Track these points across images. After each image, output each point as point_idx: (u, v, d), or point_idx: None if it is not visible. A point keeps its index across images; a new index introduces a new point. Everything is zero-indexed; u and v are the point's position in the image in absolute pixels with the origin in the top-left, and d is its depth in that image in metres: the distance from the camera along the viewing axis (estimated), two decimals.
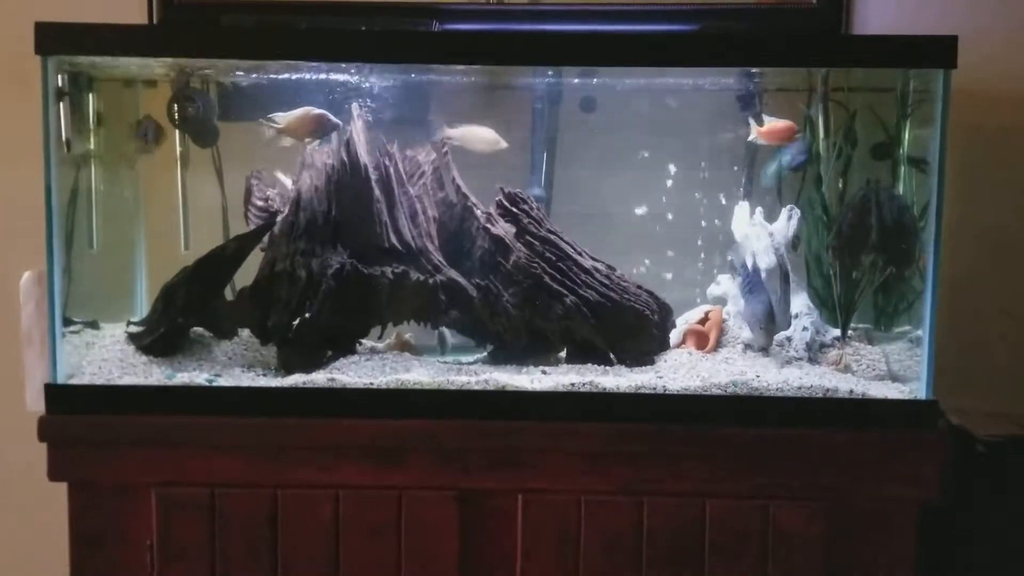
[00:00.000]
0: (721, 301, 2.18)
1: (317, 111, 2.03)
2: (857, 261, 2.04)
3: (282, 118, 2.02)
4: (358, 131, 2.05)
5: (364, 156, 2.04)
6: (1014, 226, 2.34)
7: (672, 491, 1.85)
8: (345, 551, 1.86)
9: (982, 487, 2.05)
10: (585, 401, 1.88)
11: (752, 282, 2.01)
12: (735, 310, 2.15)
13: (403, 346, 2.12)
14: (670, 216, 2.29)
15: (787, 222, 2.11)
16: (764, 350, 2.03)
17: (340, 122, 2.04)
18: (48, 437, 1.87)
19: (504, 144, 2.11)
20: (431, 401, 1.89)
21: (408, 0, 2.25)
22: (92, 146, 2.13)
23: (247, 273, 2.04)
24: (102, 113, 2.14)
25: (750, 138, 2.12)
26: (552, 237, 2.05)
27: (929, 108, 1.89)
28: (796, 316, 2.06)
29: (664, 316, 2.08)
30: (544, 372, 1.96)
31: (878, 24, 2.28)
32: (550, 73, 2.16)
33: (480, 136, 2.11)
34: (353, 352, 2.03)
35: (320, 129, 2.03)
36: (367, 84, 2.09)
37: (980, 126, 2.27)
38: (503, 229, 2.05)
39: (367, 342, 2.11)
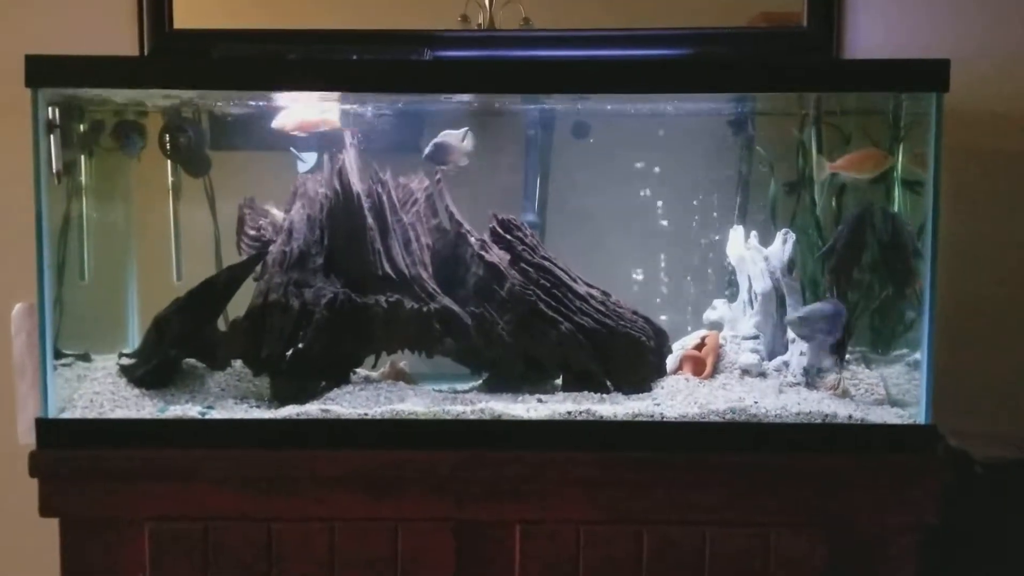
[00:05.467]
0: (717, 326, 2.17)
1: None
2: (852, 280, 2.03)
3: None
4: (350, 159, 2.04)
5: (357, 184, 2.03)
6: (1009, 247, 2.34)
7: (671, 520, 1.84)
8: None
9: (981, 509, 2.04)
10: (582, 429, 1.87)
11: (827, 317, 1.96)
12: (731, 335, 2.14)
13: (398, 375, 2.10)
14: (666, 238, 2.30)
15: (782, 246, 2.10)
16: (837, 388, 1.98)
17: None
18: (39, 472, 1.84)
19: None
20: (426, 431, 1.87)
21: (400, 28, 2.25)
22: (83, 177, 2.12)
23: (240, 303, 2.03)
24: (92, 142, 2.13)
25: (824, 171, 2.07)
26: (546, 264, 2.04)
27: (922, 130, 1.89)
28: (793, 340, 2.05)
29: (660, 342, 2.07)
30: (540, 400, 1.95)
31: (868, 46, 2.28)
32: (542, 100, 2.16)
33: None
34: (347, 382, 2.01)
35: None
36: None
37: (973, 147, 2.27)
38: (497, 256, 2.04)
39: (361, 371, 2.10)
